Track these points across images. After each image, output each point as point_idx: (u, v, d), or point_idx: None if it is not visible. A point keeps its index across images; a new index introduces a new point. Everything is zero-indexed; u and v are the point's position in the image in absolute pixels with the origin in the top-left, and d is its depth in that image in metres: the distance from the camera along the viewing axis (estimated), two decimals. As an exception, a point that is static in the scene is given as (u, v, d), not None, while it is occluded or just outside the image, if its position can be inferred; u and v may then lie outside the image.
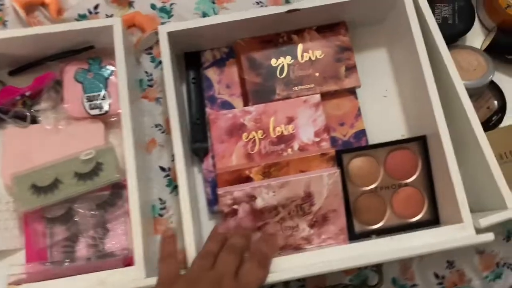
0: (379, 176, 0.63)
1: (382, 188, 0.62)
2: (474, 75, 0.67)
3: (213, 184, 0.63)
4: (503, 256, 0.66)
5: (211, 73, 0.68)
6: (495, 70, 0.68)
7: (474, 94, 0.68)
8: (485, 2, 0.73)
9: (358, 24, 0.69)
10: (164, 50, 0.61)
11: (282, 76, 0.66)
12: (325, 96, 0.66)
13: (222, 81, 0.68)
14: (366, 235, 0.61)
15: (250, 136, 0.64)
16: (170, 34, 0.62)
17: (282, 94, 0.65)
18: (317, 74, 0.66)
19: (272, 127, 0.64)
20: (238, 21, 0.62)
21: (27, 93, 0.65)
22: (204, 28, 0.62)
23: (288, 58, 0.66)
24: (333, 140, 0.66)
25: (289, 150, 0.63)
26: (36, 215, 0.61)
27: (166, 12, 0.73)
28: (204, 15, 0.73)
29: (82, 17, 0.72)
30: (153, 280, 0.51)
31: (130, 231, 0.58)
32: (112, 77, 0.66)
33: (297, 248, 0.61)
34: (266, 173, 0.60)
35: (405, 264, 0.66)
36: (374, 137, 0.67)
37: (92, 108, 0.64)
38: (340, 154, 0.61)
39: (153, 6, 0.73)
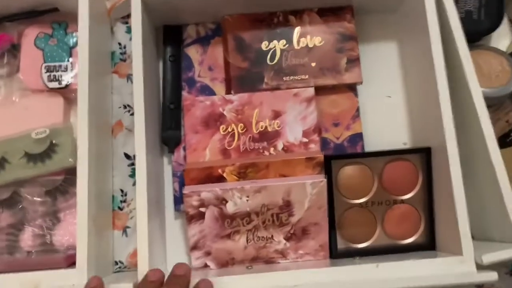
0: (372, 189, 0.54)
1: (374, 203, 0.54)
2: (496, 82, 0.58)
3: (182, 180, 0.55)
4: (504, 291, 0.59)
5: (193, 52, 0.59)
6: (520, 78, 0.59)
7: (493, 104, 0.59)
8: (517, -3, 0.64)
9: (366, 11, 0.60)
10: (136, 20, 0.52)
11: (272, 63, 0.57)
12: (320, 90, 0.57)
13: (204, 62, 0.59)
14: (350, 254, 0.54)
15: (229, 129, 0.55)
16: (146, 2, 0.53)
17: (271, 83, 0.57)
18: (313, 64, 0.57)
19: (255, 121, 0.55)
20: (228, -8, 0.53)
21: (-21, 57, 0.57)
22: (188, -2, 0.53)
23: (282, 42, 0.57)
24: (324, 143, 0.57)
25: (272, 149, 0.55)
26: (-24, 197, 0.54)
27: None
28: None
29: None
30: None
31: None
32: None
33: (269, 262, 0.53)
34: (242, 174, 0.52)
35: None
36: (371, 143, 0.58)
37: (50, 80, 0.56)
38: (330, 160, 0.53)
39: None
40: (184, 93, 0.58)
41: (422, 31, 0.54)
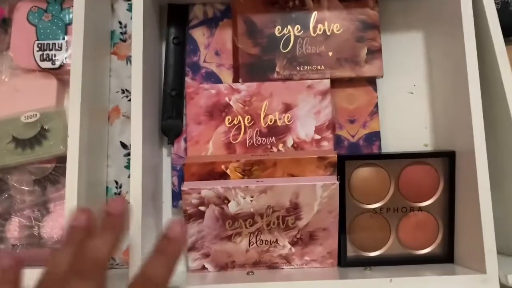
0: (388, 194, 0.50)
1: (389, 209, 0.50)
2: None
3: (181, 174, 0.51)
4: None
5: (199, 34, 0.54)
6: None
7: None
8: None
9: (392, -4, 0.54)
10: (137, -4, 0.47)
11: (285, 50, 0.52)
12: (336, 83, 0.52)
13: (211, 46, 0.54)
14: (360, 263, 0.49)
15: (235, 121, 0.51)
16: (149, -23, 0.48)
17: (283, 73, 0.52)
18: (330, 54, 0.52)
19: (264, 114, 0.51)
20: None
21: (-34, 30, 0.52)
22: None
23: (297, 28, 0.52)
24: (338, 140, 0.52)
25: (280, 145, 0.50)
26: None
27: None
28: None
29: None
30: None
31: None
32: (75, 24, 0.52)
33: (272, 267, 0.49)
34: (247, 172, 0.48)
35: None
36: (389, 143, 0.53)
37: (43, 60, 0.51)
38: (344, 160, 0.48)
39: None
40: (188, 80, 0.53)
41: (452, 21, 0.49)
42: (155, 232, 0.50)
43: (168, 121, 0.53)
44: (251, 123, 0.51)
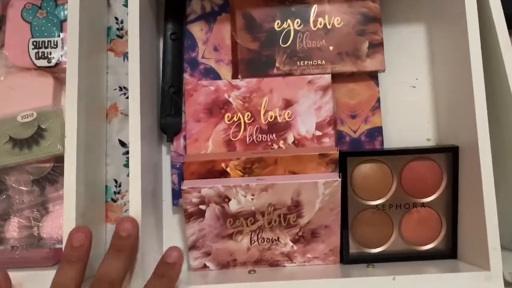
0: (391, 190, 0.49)
1: (392, 205, 0.49)
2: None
3: (181, 172, 0.50)
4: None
5: (196, 30, 0.53)
6: None
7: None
8: None
9: (393, -12, 0.53)
10: (133, -8, 0.46)
11: (285, 45, 0.51)
12: (337, 77, 0.51)
13: (209, 42, 0.53)
14: (363, 259, 0.49)
15: (235, 118, 0.50)
16: (145, -28, 0.47)
17: (283, 68, 0.51)
18: (331, 48, 0.51)
19: (264, 110, 0.50)
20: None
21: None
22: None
23: (297, 22, 0.51)
24: (339, 136, 0.52)
25: (281, 142, 0.50)
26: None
27: None
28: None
29: None
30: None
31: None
32: (70, 20, 0.51)
33: (274, 265, 0.49)
34: (247, 170, 0.47)
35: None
36: (391, 138, 0.53)
37: (39, 58, 0.50)
38: (345, 157, 0.48)
39: None
40: (186, 76, 0.52)
41: (455, 12, 0.48)
42: (155, 231, 0.49)
43: (167, 119, 0.52)
44: (251, 120, 0.50)
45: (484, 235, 0.43)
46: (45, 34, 0.51)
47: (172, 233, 0.52)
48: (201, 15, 0.53)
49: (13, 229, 0.50)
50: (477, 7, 0.46)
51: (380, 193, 0.49)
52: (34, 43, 0.51)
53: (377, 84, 0.52)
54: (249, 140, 0.50)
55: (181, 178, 0.50)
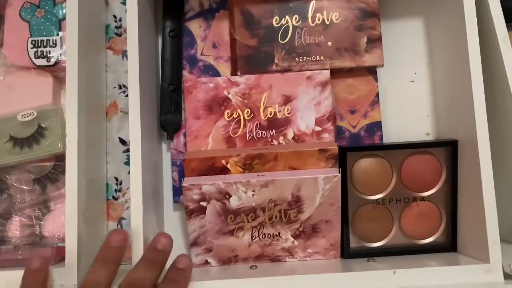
0: (390, 185, 0.49)
1: (392, 199, 0.49)
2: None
3: (182, 169, 0.51)
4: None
5: (195, 27, 0.53)
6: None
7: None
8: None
9: (390, -17, 0.53)
10: (130, -11, 0.46)
11: (284, 41, 0.51)
12: (336, 73, 0.51)
13: (208, 39, 0.53)
14: (363, 253, 0.49)
15: (234, 115, 0.50)
16: (142, -31, 0.47)
17: (282, 65, 0.51)
18: (329, 44, 0.51)
19: (263, 107, 0.50)
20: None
21: (-42, 28, 0.51)
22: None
23: (295, 18, 0.51)
24: (339, 132, 0.52)
25: (281, 138, 0.50)
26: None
27: None
28: None
29: None
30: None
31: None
32: (68, 19, 0.51)
33: (275, 260, 0.49)
34: (247, 166, 0.47)
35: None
36: (390, 133, 0.53)
37: (38, 57, 0.50)
38: (345, 152, 0.48)
39: None
40: (185, 73, 0.53)
41: (453, 7, 0.48)
42: (157, 228, 0.50)
43: (167, 116, 0.52)
44: (251, 116, 0.50)
45: (484, 228, 0.43)
46: (44, 33, 0.51)
47: (173, 230, 0.52)
48: (200, 12, 0.53)
49: (15, 228, 0.50)
50: (475, 1, 0.46)
51: (380, 187, 0.49)
52: (33, 42, 0.51)
53: (376, 79, 0.53)
54: (249, 136, 0.50)
55: (182, 175, 0.50)
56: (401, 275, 0.42)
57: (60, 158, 0.50)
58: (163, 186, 0.53)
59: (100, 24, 0.55)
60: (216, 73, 0.52)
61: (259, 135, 0.50)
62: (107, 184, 0.54)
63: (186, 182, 0.46)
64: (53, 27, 0.51)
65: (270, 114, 0.50)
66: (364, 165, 0.49)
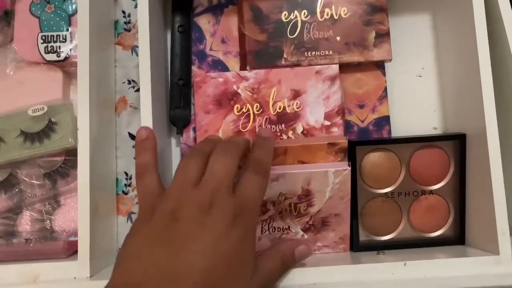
0: (399, 178, 0.50)
1: (401, 193, 0.50)
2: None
3: (191, 163, 0.51)
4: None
5: (204, 22, 0.53)
6: None
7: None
8: None
9: (398, -22, 0.54)
10: (141, -16, 0.46)
11: (293, 36, 0.51)
12: (344, 68, 0.52)
13: (217, 34, 0.53)
14: (372, 247, 0.50)
15: (244, 110, 0.50)
16: (152, -36, 0.47)
17: (291, 59, 0.51)
18: (338, 38, 0.51)
19: (272, 101, 0.50)
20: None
21: (-31, 24, 0.52)
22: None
23: (304, 12, 0.51)
24: (348, 126, 0.52)
25: (290, 132, 0.50)
26: (-30, 178, 0.50)
27: None
28: None
29: None
30: (100, 283, 0.41)
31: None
32: (78, 14, 0.51)
33: (285, 253, 0.49)
34: (257, 160, 0.48)
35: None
36: (399, 127, 0.53)
37: (48, 52, 0.51)
38: (354, 146, 0.48)
39: None
40: (194, 68, 0.53)
41: (461, 1, 0.48)
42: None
43: (176, 111, 0.52)
44: (260, 111, 0.50)
45: (493, 220, 0.44)
46: (54, 28, 0.51)
47: (183, 224, 0.52)
48: (208, 7, 0.54)
49: (26, 222, 0.50)
50: (483, -4, 0.46)
51: (388, 181, 0.50)
52: (43, 38, 0.51)
53: (384, 74, 0.53)
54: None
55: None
56: (412, 267, 0.42)
57: (70, 153, 0.50)
58: (173, 181, 0.53)
59: (109, 20, 0.55)
60: (225, 68, 0.53)
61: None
62: (117, 178, 0.54)
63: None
64: (63, 22, 0.51)
65: (279, 109, 0.50)
66: (373, 159, 0.50)
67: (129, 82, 0.55)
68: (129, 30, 0.56)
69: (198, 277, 0.31)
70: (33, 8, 0.51)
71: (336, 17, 0.51)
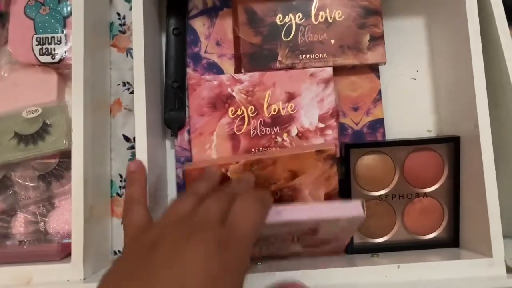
0: (393, 181, 0.50)
1: (395, 195, 0.50)
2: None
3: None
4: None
5: (199, 25, 0.54)
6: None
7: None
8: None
9: (393, -19, 0.54)
10: (136, -13, 0.46)
11: (287, 39, 0.51)
12: (339, 70, 0.52)
13: (212, 37, 0.53)
14: (367, 249, 0.50)
15: (239, 112, 0.50)
16: (147, -33, 0.47)
17: (285, 62, 0.51)
18: (332, 41, 0.51)
19: (267, 104, 0.50)
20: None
21: (-37, 26, 0.52)
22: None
23: (298, 15, 0.52)
24: (342, 128, 0.52)
25: (285, 135, 0.50)
26: (-36, 180, 0.50)
27: None
28: None
29: None
30: (94, 285, 0.41)
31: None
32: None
33: (282, 258, 0.49)
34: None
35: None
36: (393, 130, 0.53)
37: (42, 54, 0.51)
38: (348, 149, 0.48)
39: None
40: (189, 71, 0.53)
41: (455, 5, 0.48)
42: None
43: (171, 113, 0.52)
44: (255, 114, 0.50)
45: (486, 223, 0.44)
46: (49, 30, 0.51)
47: (177, 226, 0.52)
48: (203, 10, 0.54)
49: (20, 224, 0.50)
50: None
51: (383, 184, 0.50)
52: (38, 40, 0.51)
53: (378, 77, 0.53)
54: (253, 133, 0.50)
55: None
56: (406, 270, 0.42)
57: (64, 155, 0.50)
58: (167, 183, 0.53)
59: (105, 22, 0.55)
60: (220, 71, 0.53)
61: (263, 132, 0.50)
62: (111, 180, 0.54)
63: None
64: (58, 24, 0.51)
65: (274, 111, 0.50)
66: (367, 161, 0.50)
67: (124, 84, 0.55)
68: (124, 32, 0.56)
69: None
70: (28, 10, 0.51)
71: (330, 20, 0.52)
